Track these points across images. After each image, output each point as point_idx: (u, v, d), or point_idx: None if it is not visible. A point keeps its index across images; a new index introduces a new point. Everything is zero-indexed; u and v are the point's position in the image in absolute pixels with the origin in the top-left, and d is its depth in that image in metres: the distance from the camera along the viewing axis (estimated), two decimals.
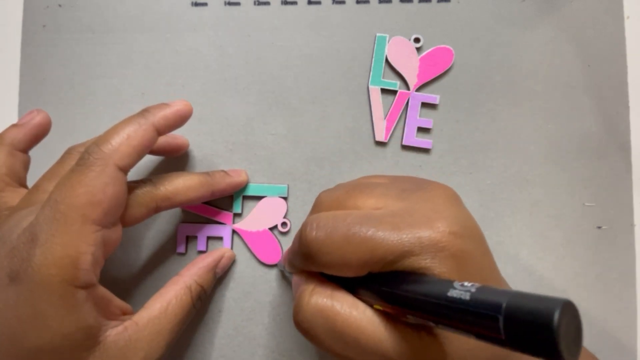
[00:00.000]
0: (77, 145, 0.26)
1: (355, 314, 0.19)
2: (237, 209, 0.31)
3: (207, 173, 0.29)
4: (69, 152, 0.26)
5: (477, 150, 0.32)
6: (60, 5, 0.33)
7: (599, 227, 0.32)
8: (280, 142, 0.32)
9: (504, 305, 0.13)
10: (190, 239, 0.31)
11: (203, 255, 0.29)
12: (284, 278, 0.31)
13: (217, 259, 0.29)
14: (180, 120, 0.26)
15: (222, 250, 0.30)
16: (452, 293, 0.15)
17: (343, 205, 0.22)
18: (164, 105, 0.25)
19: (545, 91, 0.33)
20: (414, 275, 0.18)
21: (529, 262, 0.32)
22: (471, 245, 0.19)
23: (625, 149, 0.32)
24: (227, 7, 0.33)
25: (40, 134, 0.27)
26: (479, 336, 0.15)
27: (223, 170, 0.30)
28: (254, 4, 0.33)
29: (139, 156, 0.23)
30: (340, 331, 0.19)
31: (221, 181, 0.29)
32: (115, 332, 0.22)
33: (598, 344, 0.30)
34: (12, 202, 0.25)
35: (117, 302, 0.24)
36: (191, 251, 0.31)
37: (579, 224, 0.32)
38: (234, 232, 0.31)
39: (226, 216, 0.31)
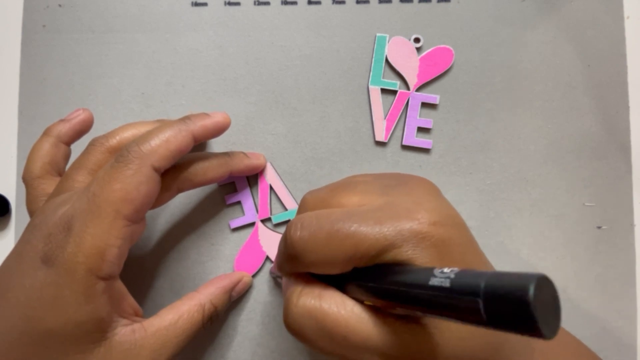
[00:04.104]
0: (99, 137, 0.27)
1: (343, 312, 0.19)
2: (276, 218, 0.32)
3: (226, 153, 0.29)
4: (92, 143, 0.26)
5: (477, 150, 0.32)
6: (60, 5, 0.33)
7: (599, 227, 0.32)
8: (280, 142, 0.32)
9: (482, 287, 0.14)
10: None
11: (222, 276, 0.29)
12: (277, 285, 0.31)
13: (235, 282, 0.29)
14: (218, 131, 0.27)
15: (240, 274, 0.30)
16: (433, 282, 0.16)
17: (327, 204, 0.22)
18: (205, 115, 0.27)
19: (545, 91, 0.33)
20: (398, 267, 0.18)
21: (529, 262, 0.32)
22: (453, 233, 0.20)
23: (625, 149, 0.32)
24: (227, 7, 0.33)
25: (83, 129, 0.28)
26: (463, 320, 0.15)
27: (242, 152, 0.31)
28: (254, 4, 0.33)
29: (174, 160, 0.24)
30: (329, 330, 0.19)
31: (240, 162, 0.30)
32: (123, 332, 0.23)
33: (598, 344, 0.30)
34: (50, 190, 0.26)
35: (130, 300, 0.24)
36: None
37: (579, 224, 0.32)
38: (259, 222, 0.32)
39: (263, 209, 0.32)
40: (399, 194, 0.21)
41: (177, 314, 0.25)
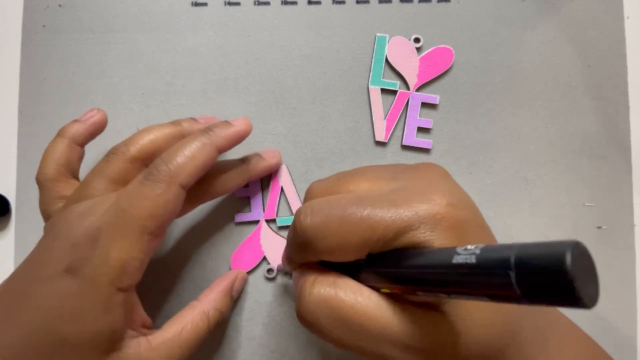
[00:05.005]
0: (119, 145, 0.26)
1: (360, 299, 0.19)
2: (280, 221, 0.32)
3: (242, 160, 0.30)
4: (113, 152, 0.26)
5: (477, 150, 0.32)
6: (60, 5, 0.33)
7: (599, 227, 0.32)
8: (280, 142, 0.32)
9: (512, 259, 0.13)
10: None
11: (219, 280, 0.29)
12: (287, 276, 0.31)
13: (232, 281, 0.29)
14: (240, 139, 0.27)
15: (234, 272, 0.30)
16: (457, 259, 0.15)
17: (335, 191, 0.22)
18: (227, 124, 0.27)
19: (545, 91, 0.33)
20: (416, 250, 0.18)
21: None
22: (468, 215, 0.19)
23: (625, 149, 0.32)
24: (227, 7, 0.33)
25: (97, 130, 0.29)
26: (493, 297, 0.14)
27: (257, 154, 0.31)
28: (254, 4, 0.33)
29: (200, 175, 0.24)
30: (346, 319, 0.18)
31: (257, 166, 0.30)
32: (130, 345, 0.23)
33: (598, 343, 0.30)
34: (64, 192, 0.26)
35: (141, 311, 0.25)
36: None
37: (579, 224, 0.32)
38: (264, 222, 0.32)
39: (269, 210, 0.32)
40: (411, 178, 0.21)
41: (181, 325, 0.25)
